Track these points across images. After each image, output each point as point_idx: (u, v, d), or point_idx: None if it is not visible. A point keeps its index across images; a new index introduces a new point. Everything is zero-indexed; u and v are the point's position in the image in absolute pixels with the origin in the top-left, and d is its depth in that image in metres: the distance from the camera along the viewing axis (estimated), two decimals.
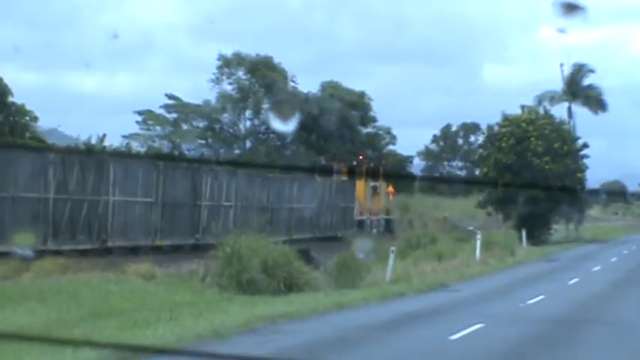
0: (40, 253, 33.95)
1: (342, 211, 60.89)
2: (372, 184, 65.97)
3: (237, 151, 78.70)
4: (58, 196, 37.78)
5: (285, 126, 6.27)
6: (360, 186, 63.87)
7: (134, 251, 40.33)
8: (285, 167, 73.35)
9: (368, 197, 65.04)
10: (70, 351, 17.99)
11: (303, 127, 79.22)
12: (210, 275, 34.67)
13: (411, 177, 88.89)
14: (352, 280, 36.95)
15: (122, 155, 51.95)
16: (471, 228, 69.67)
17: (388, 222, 68.19)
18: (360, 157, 70.50)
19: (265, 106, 79.14)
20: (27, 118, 56.60)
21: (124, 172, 41.50)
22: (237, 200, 49.50)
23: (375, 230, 64.71)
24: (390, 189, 70.27)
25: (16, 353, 17.45)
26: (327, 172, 63.76)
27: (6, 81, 55.52)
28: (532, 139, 75.68)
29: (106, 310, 25.83)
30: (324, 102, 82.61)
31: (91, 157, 38.89)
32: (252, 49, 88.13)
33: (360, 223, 63.27)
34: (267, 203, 52.80)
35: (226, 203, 48.72)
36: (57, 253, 35.31)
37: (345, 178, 63.62)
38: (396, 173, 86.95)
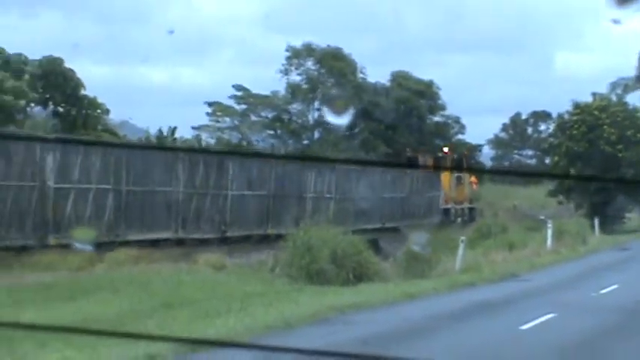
0: (169, 242, 37.59)
1: (429, 200, 63.16)
2: (457, 174, 68.07)
3: (305, 142, 78.88)
4: (186, 190, 40.38)
5: (340, 119, 6.24)
6: (446, 176, 65.88)
7: (247, 239, 42.58)
8: (374, 162, 73.60)
9: (453, 187, 67.07)
10: (144, 342, 18.21)
11: (370, 117, 79.16)
12: (280, 266, 34.84)
13: (495, 171, 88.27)
14: (422, 270, 36.87)
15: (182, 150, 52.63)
16: (541, 217, 69.08)
17: (471, 210, 70.34)
18: (445, 150, 72.22)
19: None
20: (99, 110, 57.27)
21: (240, 168, 43.99)
22: (336, 193, 52.09)
23: (459, 219, 66.59)
24: (474, 179, 72.16)
25: (91, 343, 17.72)
26: (413, 163, 66.54)
27: (78, 75, 56.29)
28: (604, 126, 74.74)
29: (177, 300, 26.08)
30: (392, 92, 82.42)
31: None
32: (321, 40, 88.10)
33: (446, 212, 65.56)
34: (361, 194, 54.70)
35: (328, 195, 51.34)
36: (181, 242, 38.43)
37: (430, 168, 68.06)
38: (479, 165, 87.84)
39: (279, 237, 38.42)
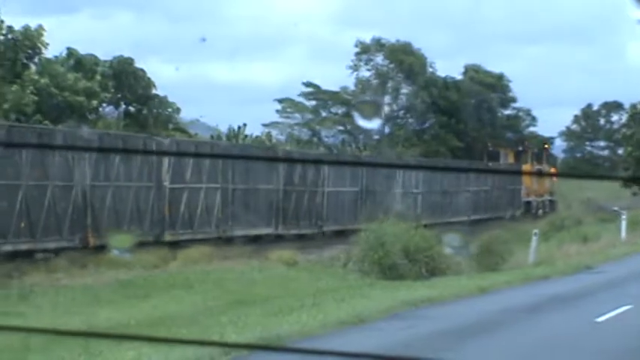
0: (270, 237, 40.01)
1: (511, 193, 65.30)
2: (537, 167, 69.34)
3: (375, 137, 78.77)
4: (285, 187, 42.54)
5: (370, 124, 6.28)
6: (527, 169, 67.52)
7: (341, 233, 43.78)
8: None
9: (534, 180, 68.39)
10: (218, 337, 18.34)
11: (441, 111, 78.85)
12: (352, 261, 34.85)
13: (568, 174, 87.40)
14: (495, 263, 36.64)
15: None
16: (615, 208, 68.35)
17: (552, 202, 71.77)
18: (525, 144, 73.90)
19: (404, 91, 79.00)
20: (170, 109, 57.69)
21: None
22: (423, 187, 54.40)
23: (540, 210, 67.86)
24: (553, 171, 74.60)
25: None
26: (495, 157, 68.43)
27: (149, 74, 56.76)
28: None
29: (250, 297, 26.21)
30: (463, 85, 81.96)
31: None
32: (391, 35, 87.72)
33: (527, 204, 67.08)
34: (447, 187, 57.38)
35: (415, 190, 53.64)
36: (280, 237, 40.61)
37: (512, 162, 68.53)
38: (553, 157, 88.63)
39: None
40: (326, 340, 19.07)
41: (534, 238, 38.77)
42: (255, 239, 39.41)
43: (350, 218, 46.15)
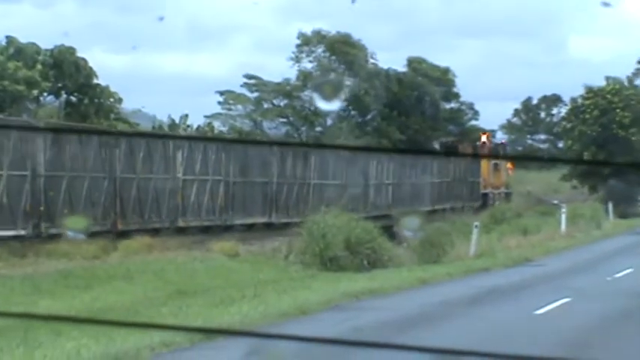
0: (268, 225, 43.58)
1: (470, 185, 68.75)
2: (494, 161, 72.51)
3: (318, 129, 78.79)
4: (279, 180, 45.55)
5: (329, 105, 6.24)
6: (485, 163, 70.17)
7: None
8: (417, 151, 77.13)
9: (491, 173, 71.75)
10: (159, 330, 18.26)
11: (383, 104, 79.03)
12: (294, 253, 34.87)
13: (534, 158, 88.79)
14: (436, 255, 36.88)
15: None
16: (555, 201, 69.30)
17: (507, 195, 74.79)
18: (483, 140, 77.09)
19: (346, 83, 79.10)
20: (112, 99, 57.32)
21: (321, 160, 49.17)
22: (393, 179, 57.09)
23: (497, 202, 70.22)
24: (509, 165, 76.35)
25: (107, 332, 17.78)
26: (453, 150, 72.10)
27: (92, 64, 56.32)
28: (618, 110, 74.54)
29: (192, 288, 26.15)
30: (406, 78, 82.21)
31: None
32: (334, 27, 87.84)
33: (485, 196, 70.06)
34: (413, 179, 60.48)
35: (387, 182, 56.13)
36: (269, 225, 43.53)
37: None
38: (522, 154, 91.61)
39: None
40: (267, 331, 19.06)
41: (475, 231, 39.08)
42: (249, 228, 42.24)
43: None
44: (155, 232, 36.56)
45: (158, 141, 38.45)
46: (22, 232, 31.90)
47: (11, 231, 31.55)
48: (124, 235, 35.07)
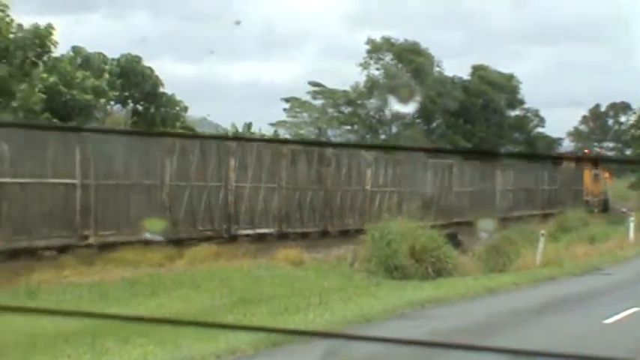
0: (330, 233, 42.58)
1: (575, 193, 73.66)
2: (594, 171, 75.89)
3: (382, 137, 78.69)
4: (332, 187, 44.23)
5: (406, 108, 6.23)
6: (587, 173, 75.04)
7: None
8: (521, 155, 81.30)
9: (591, 182, 75.92)
10: (224, 337, 18.32)
11: (448, 111, 78.77)
12: (359, 260, 34.80)
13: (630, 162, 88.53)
14: (502, 264, 36.58)
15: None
16: (624, 210, 68.54)
17: (605, 202, 77.42)
18: (585, 151, 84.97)
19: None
20: (177, 108, 57.72)
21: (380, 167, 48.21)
22: (471, 186, 57.99)
23: (596, 210, 73.27)
24: (607, 175, 79.19)
25: (173, 339, 17.87)
26: (559, 160, 77.90)
27: (160, 72, 56.82)
28: None
29: (257, 295, 26.18)
30: (471, 85, 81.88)
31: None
32: (401, 34, 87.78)
33: (586, 203, 73.63)
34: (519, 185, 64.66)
35: (468, 189, 56.99)
36: (303, 234, 41.46)
37: (572, 166, 76.06)
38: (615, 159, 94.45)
39: None
40: (333, 339, 19.01)
41: (541, 239, 38.69)
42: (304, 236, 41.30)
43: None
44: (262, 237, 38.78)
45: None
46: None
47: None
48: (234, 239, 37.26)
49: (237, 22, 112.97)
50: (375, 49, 79.69)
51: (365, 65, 79.62)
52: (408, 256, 33.72)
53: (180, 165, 35.64)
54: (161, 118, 55.94)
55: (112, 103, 54.54)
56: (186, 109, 58.61)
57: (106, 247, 31.51)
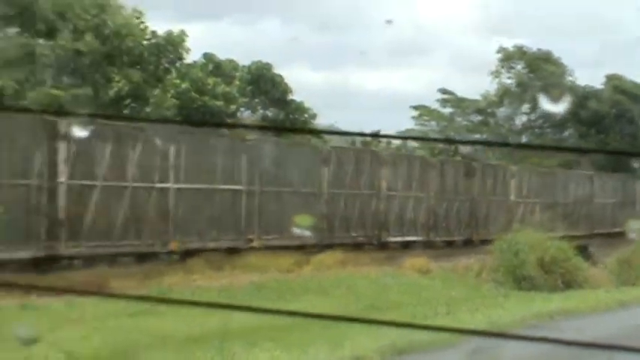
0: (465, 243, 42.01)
1: None
2: None
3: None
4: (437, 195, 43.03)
5: (555, 107, 6.08)
6: None
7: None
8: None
9: None
10: (350, 343, 18.32)
11: (580, 121, 77.52)
12: (486, 271, 34.47)
13: None
14: (634, 277, 35.79)
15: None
16: None
17: None
18: None
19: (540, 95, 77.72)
20: (306, 115, 58.12)
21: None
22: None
23: None
24: None
25: (299, 344, 17.95)
26: None
27: (289, 80, 57.34)
28: None
29: (384, 303, 26.13)
30: (602, 95, 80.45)
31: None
32: (533, 43, 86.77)
33: None
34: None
35: (609, 200, 56.41)
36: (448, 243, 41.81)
37: None
38: None
39: None
40: (459, 349, 18.84)
41: None
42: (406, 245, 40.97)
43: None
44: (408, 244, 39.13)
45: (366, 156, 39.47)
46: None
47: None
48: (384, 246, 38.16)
49: (389, 21, 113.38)
50: (507, 57, 78.92)
51: (496, 74, 78.90)
52: (537, 267, 33.27)
53: (335, 173, 36.64)
54: (290, 125, 56.38)
55: (242, 109, 55.21)
56: (314, 116, 58.99)
57: (268, 249, 32.56)
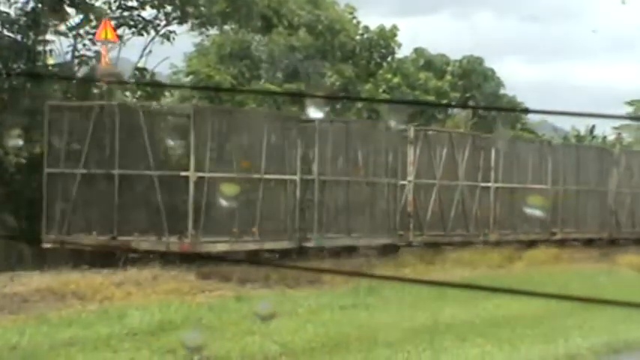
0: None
1: None
2: None
3: None
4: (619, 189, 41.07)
5: None
6: None
7: None
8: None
9: None
10: (563, 341, 18.05)
11: None
12: None
13: None
14: None
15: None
16: None
17: None
18: None
19: None
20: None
21: None
22: None
23: None
24: None
25: (510, 339, 17.81)
26: None
27: (501, 74, 56.87)
28: None
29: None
30: None
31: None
32: None
33: None
34: None
35: None
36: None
37: None
38: None
39: None
40: None
41: None
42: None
43: None
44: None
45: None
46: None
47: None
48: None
49: (594, 31, 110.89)
50: None
51: None
52: None
53: (624, 174, 40.12)
54: (502, 120, 55.87)
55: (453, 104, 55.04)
56: (526, 110, 58.27)
57: (566, 241, 36.92)
